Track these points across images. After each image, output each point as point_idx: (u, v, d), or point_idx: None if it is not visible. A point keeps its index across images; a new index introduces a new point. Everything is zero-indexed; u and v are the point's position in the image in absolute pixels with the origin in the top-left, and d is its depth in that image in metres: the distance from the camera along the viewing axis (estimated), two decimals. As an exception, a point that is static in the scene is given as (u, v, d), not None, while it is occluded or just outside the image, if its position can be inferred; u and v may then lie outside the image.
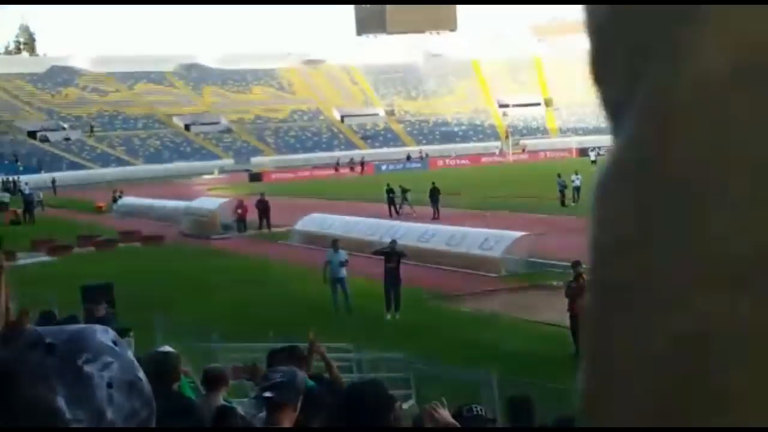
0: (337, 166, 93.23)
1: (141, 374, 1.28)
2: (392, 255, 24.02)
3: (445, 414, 5.05)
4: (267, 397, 5.07)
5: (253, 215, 43.36)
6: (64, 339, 1.23)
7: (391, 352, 17.08)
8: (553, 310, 21.90)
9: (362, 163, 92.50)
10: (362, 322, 22.57)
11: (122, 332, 10.56)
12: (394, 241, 25.12)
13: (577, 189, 45.80)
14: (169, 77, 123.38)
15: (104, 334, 1.28)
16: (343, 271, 24.25)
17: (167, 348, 7.43)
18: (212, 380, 7.79)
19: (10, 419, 1.13)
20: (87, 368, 1.20)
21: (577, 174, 46.10)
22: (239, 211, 43.13)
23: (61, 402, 1.14)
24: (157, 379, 6.03)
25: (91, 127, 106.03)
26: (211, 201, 48.71)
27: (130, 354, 1.30)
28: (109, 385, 1.20)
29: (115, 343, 1.28)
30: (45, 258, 37.68)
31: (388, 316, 23.26)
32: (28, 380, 1.15)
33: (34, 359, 1.19)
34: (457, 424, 5.09)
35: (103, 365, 1.22)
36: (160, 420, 1.35)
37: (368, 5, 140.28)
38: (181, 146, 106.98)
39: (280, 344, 10.93)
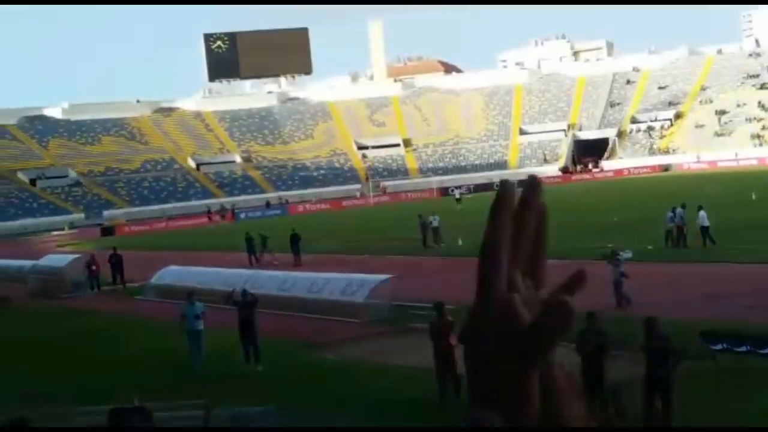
0: (209, 213, 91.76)
1: None
2: (245, 305, 23.23)
3: None
4: None
5: (106, 271, 41.77)
6: None
7: (257, 405, 16.30)
8: (418, 352, 21.48)
9: (233, 210, 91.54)
10: (224, 376, 21.69)
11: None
12: (245, 291, 24.34)
13: (435, 230, 45.74)
14: (12, 131, 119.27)
15: None
16: (200, 324, 23.27)
17: None
18: None
19: None
20: None
21: (434, 215, 46.16)
22: (93, 267, 41.42)
23: None
24: None
25: None
26: (59, 258, 46.81)
27: None
28: None
29: None
30: None
31: (247, 368, 22.39)
32: None
33: None
34: None
35: None
36: None
37: (221, 50, 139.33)
38: (26, 202, 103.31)
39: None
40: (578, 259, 29.04)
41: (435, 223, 45.87)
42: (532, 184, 0.96)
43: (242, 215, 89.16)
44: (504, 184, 0.95)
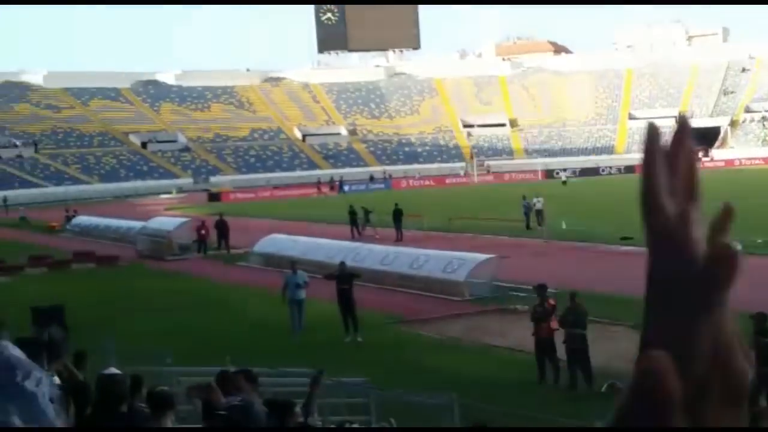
0: (318, 183, 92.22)
1: (56, 382, 1.25)
2: (343, 277, 23.51)
3: None
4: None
5: (212, 236, 42.57)
6: None
7: (351, 377, 16.46)
8: (517, 334, 21.43)
9: (340, 182, 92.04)
10: (321, 345, 21.98)
11: (79, 357, 9.90)
12: (343, 263, 24.62)
13: (539, 212, 45.14)
14: (126, 94, 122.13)
15: (15, 350, 1.28)
16: (302, 293, 23.70)
17: (113, 370, 6.93)
18: (157, 403, 7.24)
19: None
20: (27, 385, 1.23)
21: (538, 197, 45.66)
22: (203, 231, 42.12)
23: (16, 421, 1.19)
24: (102, 402, 5.52)
25: (35, 143, 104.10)
26: (167, 221, 47.83)
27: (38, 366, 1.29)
28: (51, 400, 1.26)
29: (25, 358, 1.28)
30: (-5, 279, 36.67)
31: (347, 339, 22.66)
32: None
33: None
34: None
35: (37, 381, 1.25)
36: None
37: (331, 22, 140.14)
38: (137, 165, 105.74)
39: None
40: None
41: (539, 206, 45.33)
42: (683, 123, 0.95)
43: (346, 188, 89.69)
44: (651, 127, 0.94)
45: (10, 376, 1.22)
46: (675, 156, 0.89)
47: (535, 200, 45.47)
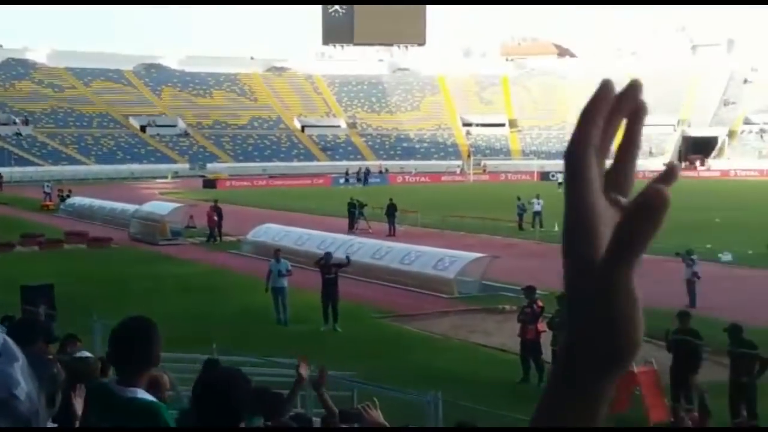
0: (347, 174, 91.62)
1: (19, 391, 1.17)
2: (328, 267, 23.54)
3: (375, 414, 5.19)
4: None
5: (205, 222, 42.52)
6: None
7: (336, 370, 16.48)
8: (503, 335, 21.50)
9: (366, 173, 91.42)
10: (307, 336, 22.02)
11: (69, 339, 9.86)
12: (328, 254, 24.74)
13: (537, 213, 45.10)
14: (128, 76, 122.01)
15: None
16: (284, 281, 23.81)
17: (85, 353, 6.92)
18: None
19: None
20: None
21: (538, 198, 45.64)
22: (215, 217, 41.75)
23: None
24: (70, 384, 5.46)
25: (26, 120, 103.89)
26: (161, 206, 47.79)
27: (15, 367, 1.20)
28: None
29: None
30: (-15, 255, 36.64)
31: (323, 328, 22.85)
32: None
33: None
34: (387, 425, 5.23)
35: None
36: None
37: (338, 14, 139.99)
38: (135, 147, 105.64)
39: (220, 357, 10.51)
40: (669, 257, 28.58)
41: (538, 207, 45.25)
42: (634, 85, 0.95)
43: (340, 180, 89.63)
44: (605, 82, 0.94)
45: None
46: (616, 112, 0.90)
47: (534, 201, 45.39)
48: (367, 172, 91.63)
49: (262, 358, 16.90)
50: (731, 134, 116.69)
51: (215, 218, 41.49)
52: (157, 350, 4.33)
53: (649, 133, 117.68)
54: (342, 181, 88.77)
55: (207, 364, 10.11)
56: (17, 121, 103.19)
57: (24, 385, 1.19)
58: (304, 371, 6.78)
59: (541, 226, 43.64)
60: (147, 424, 4.12)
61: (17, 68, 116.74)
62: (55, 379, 4.29)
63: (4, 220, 48.94)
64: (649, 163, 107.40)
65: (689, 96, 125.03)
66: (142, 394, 4.19)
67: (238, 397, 3.90)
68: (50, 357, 5.18)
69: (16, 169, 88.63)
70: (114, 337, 4.39)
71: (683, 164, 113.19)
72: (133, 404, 4.12)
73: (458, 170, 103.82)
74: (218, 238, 41.25)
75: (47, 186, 63.57)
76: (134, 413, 4.10)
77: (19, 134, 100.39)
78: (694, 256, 25.63)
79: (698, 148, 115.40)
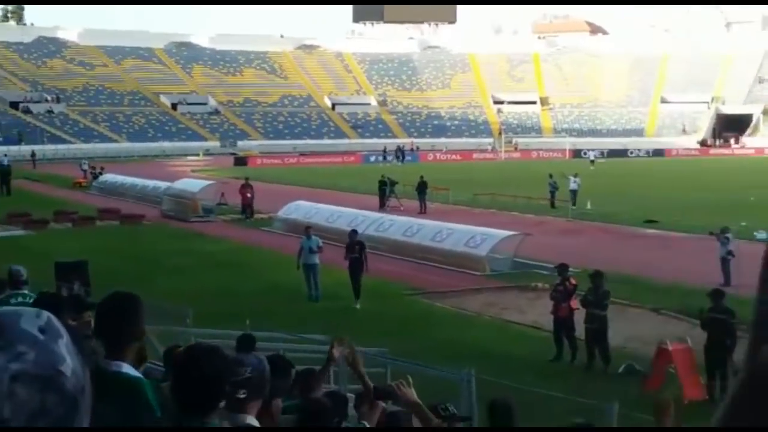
0: (384, 152, 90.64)
1: (65, 367, 1.18)
2: (353, 245, 23.62)
3: (409, 392, 5.16)
4: (239, 398, 4.53)
5: (236, 200, 42.66)
6: None
7: (368, 347, 16.46)
8: (536, 312, 21.41)
9: (403, 151, 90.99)
10: (339, 313, 22.03)
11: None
12: (354, 231, 24.81)
13: (573, 192, 44.82)
14: (159, 54, 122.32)
15: (30, 321, 1.20)
16: (315, 258, 23.79)
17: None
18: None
19: None
20: None
21: (576, 176, 45.32)
22: (248, 195, 41.87)
23: None
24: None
25: (58, 97, 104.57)
26: (193, 183, 47.99)
27: (60, 344, 1.20)
28: (14, 379, 1.14)
29: (43, 331, 1.19)
30: (20, 232, 36.91)
31: (357, 306, 22.85)
32: None
33: None
34: (420, 402, 5.19)
35: (15, 356, 1.16)
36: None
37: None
38: (166, 125, 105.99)
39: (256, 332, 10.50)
40: (704, 235, 28.36)
41: (574, 185, 44.97)
42: None
43: (371, 158, 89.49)
44: None
45: None
46: None
47: (571, 179, 45.14)
48: (404, 150, 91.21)
49: (293, 335, 16.91)
50: (766, 112, 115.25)
51: (248, 195, 41.59)
52: (143, 324, 4.41)
53: (682, 110, 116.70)
54: (380, 158, 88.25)
55: (241, 340, 10.10)
56: (49, 99, 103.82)
57: (69, 361, 1.19)
58: (337, 353, 6.70)
59: (574, 204, 43.44)
60: (129, 399, 4.08)
61: (49, 46, 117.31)
62: (93, 353, 4.23)
63: (37, 198, 49.32)
64: (683, 142, 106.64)
65: (723, 73, 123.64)
66: (127, 369, 4.17)
67: (214, 374, 3.81)
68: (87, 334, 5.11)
69: (49, 146, 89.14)
70: (101, 311, 4.40)
71: (717, 142, 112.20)
72: (118, 379, 4.09)
73: (489, 148, 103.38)
74: (250, 216, 41.33)
75: (84, 163, 64.12)
76: (117, 388, 4.05)
77: (51, 112, 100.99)
78: (728, 234, 25.37)
79: (732, 125, 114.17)
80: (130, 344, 4.27)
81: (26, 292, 10.32)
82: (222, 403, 3.92)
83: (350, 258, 23.45)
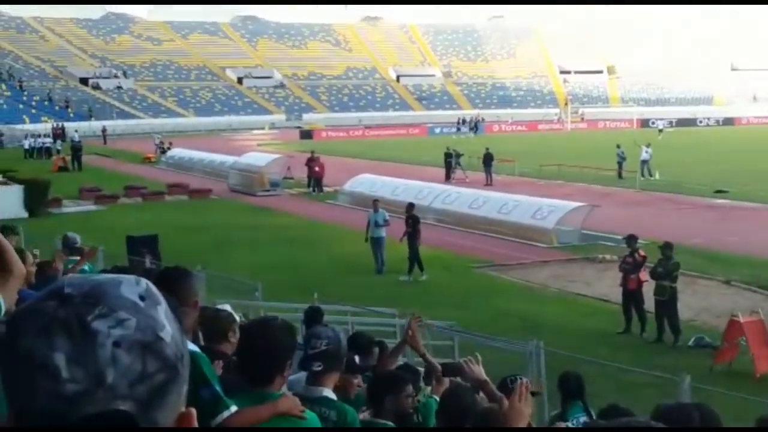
0: (458, 123, 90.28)
1: (165, 333, 1.21)
2: (408, 219, 23.70)
3: (477, 369, 5.17)
4: (315, 371, 4.67)
5: (303, 173, 42.91)
6: (83, 291, 1.19)
7: (435, 319, 16.52)
8: (604, 285, 21.26)
9: (477, 123, 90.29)
10: (405, 286, 22.12)
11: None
12: (410, 204, 24.75)
13: (644, 162, 44.26)
14: (225, 29, 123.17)
15: (130, 288, 1.22)
16: (382, 231, 23.87)
17: (226, 307, 6.80)
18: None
19: (8, 371, 1.16)
20: (95, 324, 1.17)
21: (648, 146, 44.70)
22: (316, 168, 42.14)
23: (59, 359, 1.14)
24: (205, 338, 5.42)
25: (126, 72, 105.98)
26: (260, 156, 48.30)
27: (159, 310, 1.23)
28: (116, 344, 1.17)
29: (142, 297, 1.22)
30: (91, 207, 37.58)
31: (423, 277, 22.85)
32: (32, 333, 1.16)
33: (44, 310, 1.18)
34: (487, 379, 5.21)
35: (117, 322, 1.18)
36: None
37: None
38: (232, 99, 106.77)
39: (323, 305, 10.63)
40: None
41: (645, 156, 44.39)
42: None
43: (436, 130, 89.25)
44: None
45: (85, 311, 1.16)
46: None
47: (643, 148, 44.57)
48: (477, 122, 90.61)
49: (362, 307, 17.02)
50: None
51: (316, 170, 41.80)
52: (195, 296, 4.65)
53: (752, 78, 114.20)
54: (453, 130, 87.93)
55: (309, 312, 10.20)
56: (118, 75, 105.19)
57: (169, 328, 1.21)
58: (413, 333, 6.61)
59: (649, 175, 42.99)
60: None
61: (117, 22, 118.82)
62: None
63: (108, 173, 50.07)
64: (753, 110, 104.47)
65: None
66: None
67: (277, 345, 3.96)
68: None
69: (119, 122, 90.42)
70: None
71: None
72: None
73: (556, 119, 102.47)
74: (320, 190, 41.50)
75: (157, 138, 65.10)
76: None
77: (120, 88, 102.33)
78: None
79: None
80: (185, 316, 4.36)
81: (85, 267, 10.45)
82: (285, 374, 4.03)
83: (405, 232, 23.55)
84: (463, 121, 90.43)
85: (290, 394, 4.13)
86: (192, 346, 4.32)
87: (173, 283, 4.44)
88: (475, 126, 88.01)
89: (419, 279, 22.81)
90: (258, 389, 4.00)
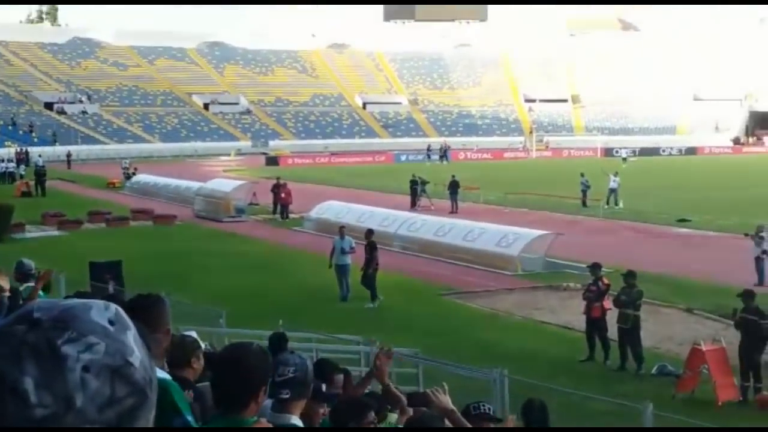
0: (428, 150, 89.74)
1: (134, 358, 1.21)
2: (366, 246, 23.79)
3: (444, 399, 5.16)
4: (282, 398, 4.63)
5: (268, 199, 42.84)
6: (53, 315, 1.20)
7: (400, 346, 16.53)
8: (568, 312, 21.37)
9: (446, 151, 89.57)
10: (369, 313, 22.12)
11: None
12: (369, 231, 24.70)
13: (612, 191, 44.60)
14: (191, 54, 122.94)
15: (100, 312, 1.23)
16: (348, 258, 23.83)
17: (192, 333, 6.79)
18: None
19: None
20: (65, 348, 1.17)
21: (616, 175, 45.00)
22: (283, 195, 42.00)
23: (28, 383, 1.14)
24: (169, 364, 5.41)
25: (91, 97, 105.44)
26: (225, 183, 48.21)
27: (128, 335, 1.23)
28: (86, 369, 1.17)
29: (112, 322, 1.22)
30: (54, 232, 37.28)
31: (367, 305, 22.93)
32: (1, 357, 1.16)
33: (14, 334, 1.18)
34: (454, 408, 5.18)
35: (86, 346, 1.18)
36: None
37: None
38: (198, 125, 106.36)
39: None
40: (737, 234, 28.23)
41: (614, 184, 44.69)
42: None
43: (402, 157, 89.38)
44: None
45: (54, 335, 1.17)
46: None
47: (612, 178, 44.90)
48: (446, 150, 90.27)
49: (326, 334, 16.99)
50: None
51: (282, 195, 41.75)
52: (168, 324, 4.64)
53: (715, 108, 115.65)
54: (421, 158, 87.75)
55: (274, 339, 10.18)
56: (83, 99, 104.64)
57: (138, 353, 1.22)
58: (381, 365, 6.51)
59: (615, 204, 43.42)
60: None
61: (83, 47, 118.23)
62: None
63: (72, 198, 49.73)
64: (715, 139, 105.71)
65: (756, 70, 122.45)
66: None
67: (247, 371, 3.92)
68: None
69: (84, 147, 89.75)
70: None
71: (750, 140, 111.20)
72: None
73: (521, 147, 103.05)
74: (286, 217, 41.37)
75: (125, 162, 65.07)
76: None
77: (84, 112, 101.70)
78: (763, 234, 25.21)
79: (766, 123, 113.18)
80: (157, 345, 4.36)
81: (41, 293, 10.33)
82: (260, 399, 4.01)
83: (366, 259, 23.57)
84: (430, 149, 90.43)
85: (264, 421, 4.11)
86: (164, 374, 4.32)
87: (146, 310, 4.45)
88: (444, 154, 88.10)
89: (381, 305, 22.79)
90: (232, 415, 3.97)
